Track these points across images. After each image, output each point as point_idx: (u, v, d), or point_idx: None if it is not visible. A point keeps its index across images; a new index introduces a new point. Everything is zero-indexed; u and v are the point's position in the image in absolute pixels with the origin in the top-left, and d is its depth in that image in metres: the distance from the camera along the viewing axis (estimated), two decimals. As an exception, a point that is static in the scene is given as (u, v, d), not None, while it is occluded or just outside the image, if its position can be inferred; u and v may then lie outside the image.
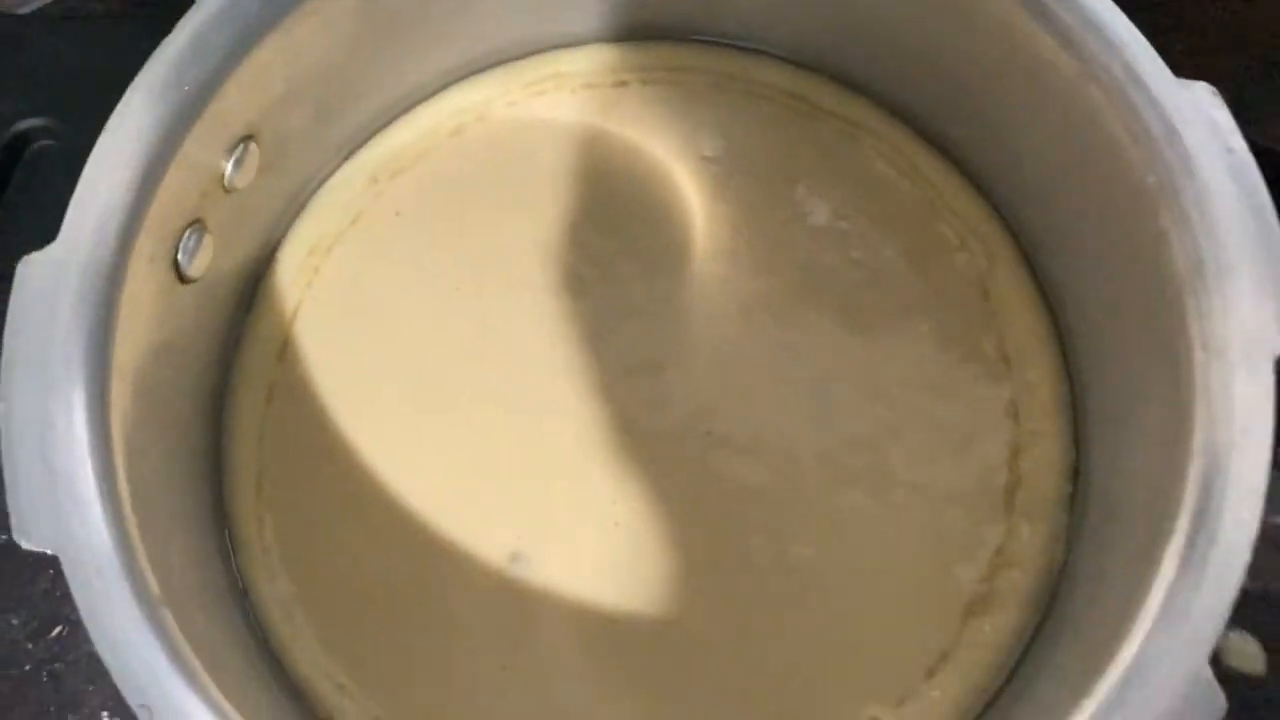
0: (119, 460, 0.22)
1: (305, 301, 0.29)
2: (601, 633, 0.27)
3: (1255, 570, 0.30)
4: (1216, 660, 0.29)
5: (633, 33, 0.32)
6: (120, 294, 0.22)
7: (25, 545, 0.20)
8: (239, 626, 0.27)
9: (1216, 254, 0.22)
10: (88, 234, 0.22)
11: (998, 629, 0.27)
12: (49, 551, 0.20)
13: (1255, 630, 0.31)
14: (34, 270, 0.22)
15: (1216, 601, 0.21)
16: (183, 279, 0.25)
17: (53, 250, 0.22)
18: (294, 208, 0.30)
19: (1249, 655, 0.30)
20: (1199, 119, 0.23)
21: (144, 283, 0.23)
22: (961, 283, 0.29)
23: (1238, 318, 0.22)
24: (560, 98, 0.31)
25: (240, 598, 0.27)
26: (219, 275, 0.27)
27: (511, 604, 0.27)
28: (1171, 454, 0.23)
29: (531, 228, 0.30)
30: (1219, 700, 0.21)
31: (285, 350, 0.29)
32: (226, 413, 0.28)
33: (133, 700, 0.20)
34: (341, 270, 0.29)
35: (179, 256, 0.25)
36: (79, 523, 0.20)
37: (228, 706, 0.20)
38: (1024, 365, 0.28)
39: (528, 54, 0.32)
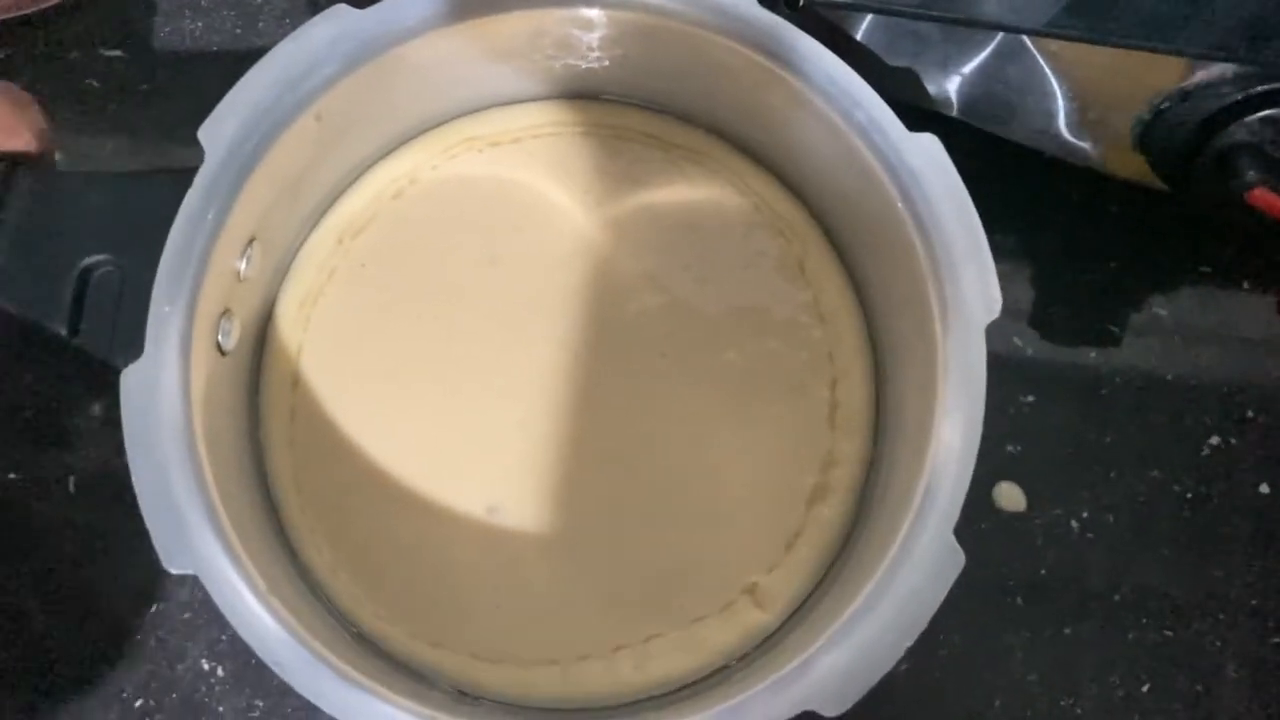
0: (210, 481, 0.31)
1: (305, 342, 0.38)
2: (551, 546, 0.37)
3: (1016, 438, 0.42)
4: (992, 505, 0.42)
5: (517, 98, 0.41)
6: (190, 378, 0.32)
7: (171, 570, 0.30)
8: (295, 577, 0.36)
9: (946, 258, 0.33)
10: (165, 343, 0.31)
11: (833, 509, 0.38)
12: (189, 571, 0.30)
13: (1018, 480, 0.42)
14: (134, 378, 0.31)
15: (954, 488, 0.32)
16: (222, 353, 0.35)
17: (144, 361, 0.31)
18: (282, 273, 0.39)
19: (1014, 498, 0.42)
20: (927, 160, 0.33)
21: (202, 366, 0.33)
22: (785, 260, 0.40)
23: (960, 300, 0.32)
24: (471, 157, 0.40)
25: (292, 559, 0.37)
26: (242, 339, 0.36)
27: (490, 539, 0.37)
28: (925, 386, 0.33)
29: (467, 261, 0.39)
30: (960, 558, 0.31)
31: (297, 381, 0.38)
32: (262, 433, 0.38)
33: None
34: (328, 314, 0.39)
35: (219, 339, 0.34)
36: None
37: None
38: (835, 322, 0.39)
39: (440, 124, 0.40)
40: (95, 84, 0.45)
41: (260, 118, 0.33)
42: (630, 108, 0.41)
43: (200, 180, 0.32)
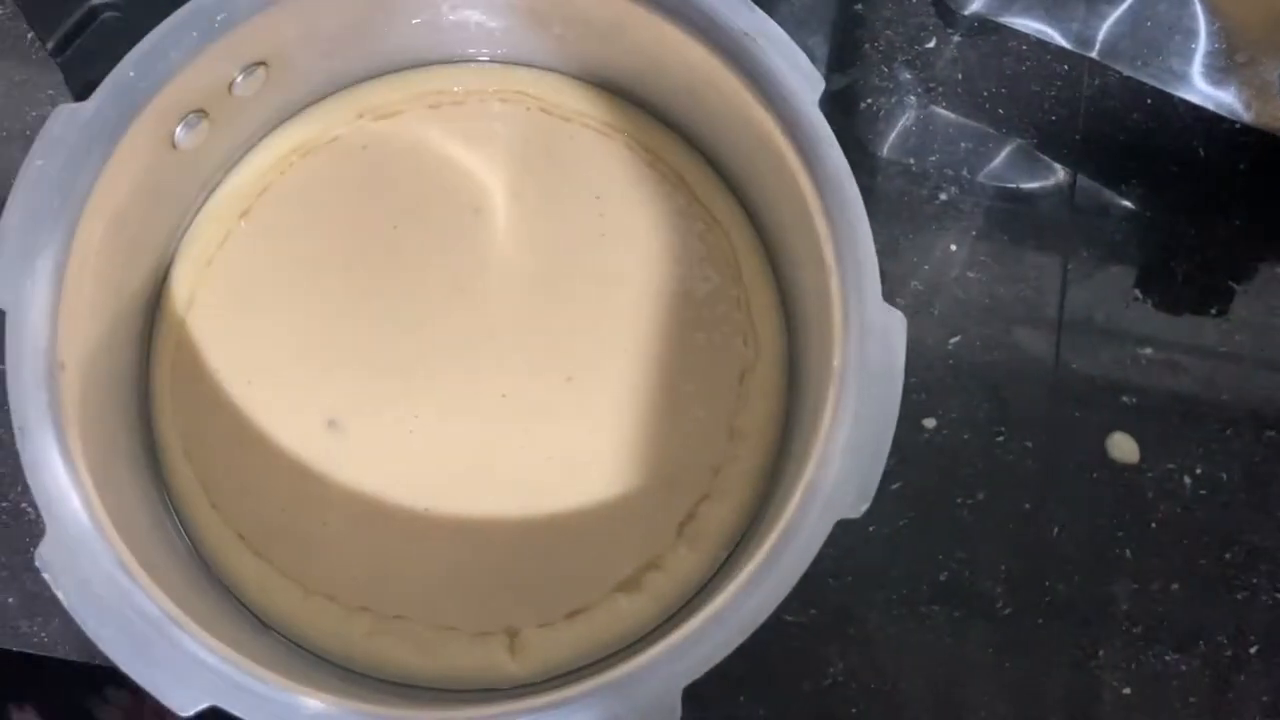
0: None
1: (197, 296, 0.36)
2: (439, 519, 0.35)
3: (1132, 389, 0.42)
4: (1105, 455, 0.41)
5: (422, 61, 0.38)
6: (121, 141, 0.29)
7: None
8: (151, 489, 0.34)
9: (851, 253, 0.30)
10: (109, 97, 0.29)
11: (751, 453, 0.35)
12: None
13: (1132, 432, 0.40)
14: (60, 118, 0.28)
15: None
16: (174, 146, 0.32)
17: (83, 105, 0.28)
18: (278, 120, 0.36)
19: (1127, 450, 0.39)
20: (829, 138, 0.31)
21: (143, 138, 0.30)
22: (711, 247, 0.37)
23: (860, 297, 0.30)
24: (373, 124, 0.37)
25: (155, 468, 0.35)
26: (199, 160, 0.34)
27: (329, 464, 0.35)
28: (823, 375, 0.30)
29: (364, 227, 0.37)
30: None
31: (189, 308, 0.36)
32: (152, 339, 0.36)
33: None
34: (221, 273, 0.36)
35: (178, 130, 0.32)
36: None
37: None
38: (754, 308, 0.37)
39: (338, 89, 0.38)
40: None
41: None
42: (536, 72, 0.38)
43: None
